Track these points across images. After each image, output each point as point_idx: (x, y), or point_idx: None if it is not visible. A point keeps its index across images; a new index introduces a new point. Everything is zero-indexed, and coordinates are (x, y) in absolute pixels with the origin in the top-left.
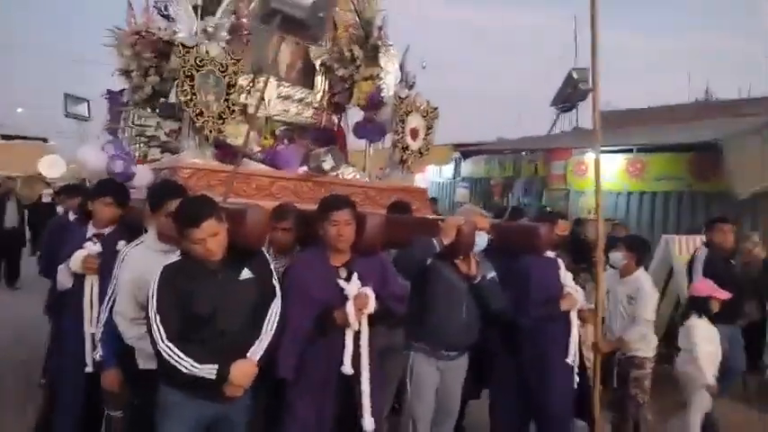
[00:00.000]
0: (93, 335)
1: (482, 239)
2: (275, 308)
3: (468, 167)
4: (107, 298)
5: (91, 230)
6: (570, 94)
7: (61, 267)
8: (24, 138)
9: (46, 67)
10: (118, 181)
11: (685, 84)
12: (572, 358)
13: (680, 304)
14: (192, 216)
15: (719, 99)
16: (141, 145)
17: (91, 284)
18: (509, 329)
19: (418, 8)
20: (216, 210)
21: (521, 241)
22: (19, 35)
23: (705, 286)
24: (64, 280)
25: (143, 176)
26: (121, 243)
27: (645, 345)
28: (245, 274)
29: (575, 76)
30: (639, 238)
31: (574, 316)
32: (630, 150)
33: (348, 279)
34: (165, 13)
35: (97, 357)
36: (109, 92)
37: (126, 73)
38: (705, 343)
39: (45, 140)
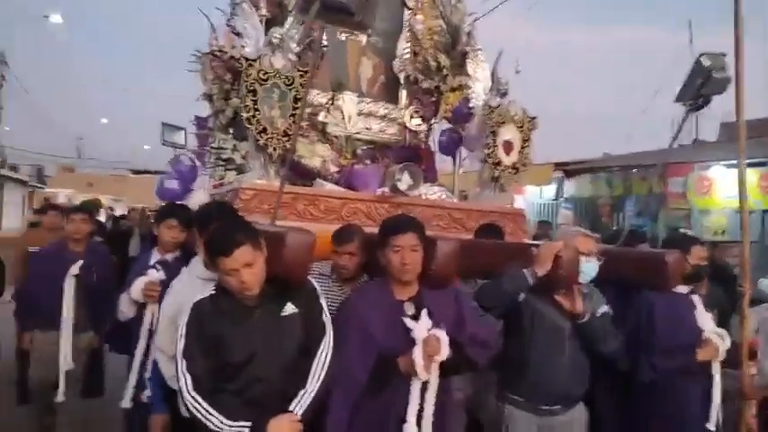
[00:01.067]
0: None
1: (590, 267)
2: (325, 350)
3: (571, 187)
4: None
5: (155, 257)
6: (701, 86)
7: (123, 296)
8: (150, 172)
9: (157, 104)
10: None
11: None
12: (714, 425)
13: None
14: (223, 243)
15: None
16: (219, 168)
17: (152, 313)
18: (625, 384)
19: (509, 33)
20: (252, 235)
21: (642, 273)
22: (133, 78)
23: None
24: (125, 309)
25: (200, 199)
26: (184, 270)
27: None
28: (289, 309)
29: (705, 63)
30: None
31: (716, 369)
32: (764, 164)
33: (416, 317)
34: (236, 30)
35: (144, 398)
36: (196, 118)
37: (209, 97)
38: None
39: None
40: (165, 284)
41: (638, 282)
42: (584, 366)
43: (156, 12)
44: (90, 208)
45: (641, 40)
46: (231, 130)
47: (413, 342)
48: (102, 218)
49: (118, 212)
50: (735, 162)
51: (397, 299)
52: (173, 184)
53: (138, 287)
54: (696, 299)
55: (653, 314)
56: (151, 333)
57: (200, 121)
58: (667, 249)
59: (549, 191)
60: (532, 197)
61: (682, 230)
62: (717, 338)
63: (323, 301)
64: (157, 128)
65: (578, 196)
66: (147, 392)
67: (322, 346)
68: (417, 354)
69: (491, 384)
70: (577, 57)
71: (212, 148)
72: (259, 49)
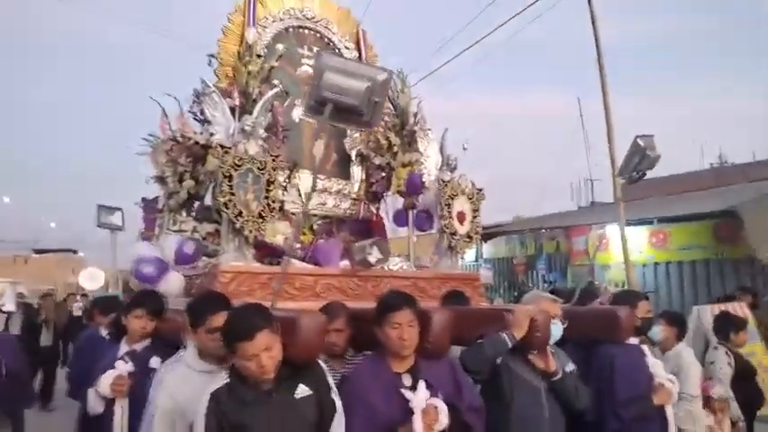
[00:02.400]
0: None
1: (556, 329)
2: (337, 429)
3: (489, 249)
4: (146, 423)
5: (123, 348)
6: (638, 163)
7: (90, 391)
8: (55, 251)
9: (76, 182)
10: (145, 285)
11: (698, 149)
12: None
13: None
14: (243, 328)
15: (734, 164)
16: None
17: (121, 408)
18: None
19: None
20: (270, 320)
21: (598, 328)
22: (46, 155)
23: None
24: (94, 404)
25: (174, 282)
26: (154, 360)
27: (692, 422)
28: (302, 391)
29: (641, 143)
30: (676, 312)
31: (670, 412)
32: (651, 222)
33: (414, 388)
34: (201, 117)
35: None
36: (143, 200)
37: (161, 179)
38: None
39: (75, 252)
40: (134, 376)
41: (595, 337)
42: (561, 423)
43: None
44: None
45: (549, 107)
46: (186, 212)
47: (412, 413)
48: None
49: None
50: (629, 220)
51: (395, 371)
52: (149, 268)
53: (105, 382)
54: (646, 348)
55: (614, 366)
56: (122, 430)
57: (148, 203)
58: (617, 306)
59: (470, 254)
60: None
61: (597, 283)
62: (668, 383)
63: (330, 380)
64: (67, 205)
65: (495, 257)
66: None
67: (334, 425)
68: (417, 423)
69: None
70: (493, 124)
71: (170, 229)
72: (230, 135)
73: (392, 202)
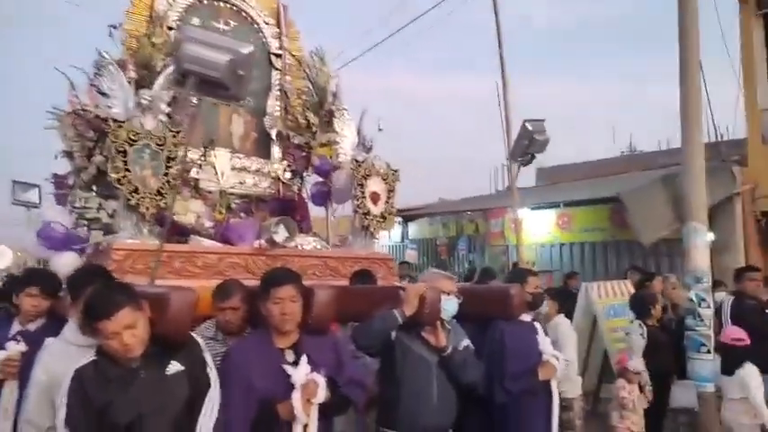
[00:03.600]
0: None
1: (451, 305)
2: (211, 402)
3: (414, 229)
4: (23, 402)
5: (15, 327)
6: (527, 146)
7: None
8: None
9: None
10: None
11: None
12: None
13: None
14: (102, 306)
15: (642, 151)
16: (84, 228)
17: (10, 391)
18: (485, 405)
19: (359, 77)
20: (132, 297)
21: (492, 306)
22: None
23: (735, 333)
24: None
25: (70, 261)
26: (50, 340)
27: (570, 385)
28: (173, 367)
29: (529, 127)
30: (558, 288)
31: (554, 386)
32: (558, 205)
33: (296, 363)
34: (102, 90)
35: None
36: (54, 176)
37: (69, 155)
38: (760, 390)
39: None
40: (27, 356)
41: (490, 314)
42: (451, 397)
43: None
44: None
45: (471, 88)
46: (94, 188)
47: (293, 387)
48: None
49: None
50: (538, 205)
51: (278, 347)
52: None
53: None
54: (537, 325)
55: (503, 341)
56: (7, 412)
57: (59, 179)
58: (510, 283)
59: (396, 234)
60: (383, 240)
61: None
62: (554, 360)
63: (207, 356)
64: None
65: (420, 237)
66: None
67: (208, 400)
68: (296, 398)
69: (371, 425)
70: (416, 104)
71: (74, 207)
72: (128, 109)
73: (312, 182)
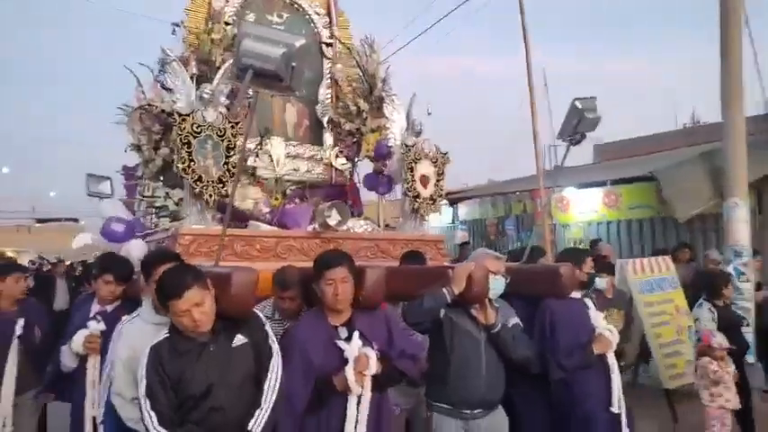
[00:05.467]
0: (94, 418)
1: (498, 284)
2: (275, 370)
3: (464, 211)
4: (106, 377)
5: (95, 308)
6: (577, 125)
7: (63, 348)
8: (57, 220)
9: (73, 151)
10: (114, 250)
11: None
12: (617, 407)
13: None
14: (172, 286)
15: (707, 123)
16: (153, 216)
17: (93, 365)
18: (540, 382)
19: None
20: (199, 277)
21: (541, 284)
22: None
23: None
24: (67, 361)
25: (137, 248)
26: (126, 318)
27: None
28: (239, 340)
29: (579, 105)
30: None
31: (611, 358)
32: (605, 183)
33: (349, 339)
34: (167, 86)
35: None
36: (124, 168)
37: (137, 148)
38: None
39: (76, 221)
40: (105, 335)
41: (540, 293)
42: (499, 373)
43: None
44: (21, 266)
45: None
46: (161, 179)
47: (347, 362)
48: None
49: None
50: (585, 183)
51: (332, 324)
52: (119, 227)
53: (79, 340)
54: (588, 301)
55: (554, 318)
56: (94, 384)
57: (128, 171)
58: (561, 262)
59: (447, 216)
60: (434, 222)
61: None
62: (608, 333)
63: (268, 328)
64: (67, 174)
65: (470, 219)
66: None
67: (272, 368)
68: (349, 371)
69: (423, 398)
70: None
71: (144, 196)
72: (191, 103)
73: (364, 167)
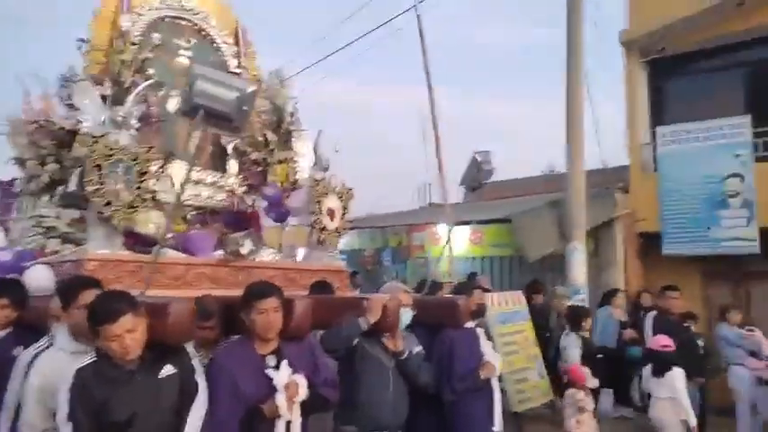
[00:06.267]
0: None
1: (406, 316)
2: (199, 405)
3: (344, 241)
4: (6, 409)
5: None
6: (476, 175)
7: None
8: None
9: None
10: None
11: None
12: (498, 426)
13: None
14: (107, 312)
15: (561, 172)
16: (38, 236)
17: None
18: (434, 404)
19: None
20: (133, 304)
21: (441, 315)
22: None
23: (663, 340)
24: None
25: (41, 273)
26: (18, 349)
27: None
28: (166, 370)
29: (478, 159)
30: None
31: (495, 383)
32: (469, 223)
33: (277, 367)
34: (69, 102)
35: None
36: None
37: (20, 162)
38: (686, 391)
39: None
40: None
41: (440, 322)
42: (404, 398)
43: None
44: None
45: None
46: (49, 197)
47: (275, 389)
48: None
49: None
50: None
51: (260, 353)
52: (5, 256)
53: None
54: (480, 331)
55: (452, 346)
56: None
57: (4, 185)
58: (457, 295)
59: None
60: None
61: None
62: (494, 360)
63: (197, 363)
64: None
65: (348, 249)
66: None
67: (196, 403)
68: (280, 398)
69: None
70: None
71: (31, 215)
72: (100, 124)
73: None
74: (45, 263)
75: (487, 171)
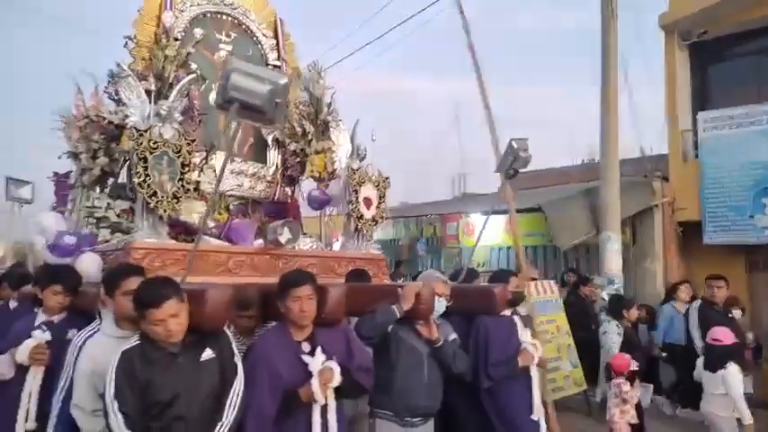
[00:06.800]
0: None
1: (440, 305)
2: (237, 388)
3: (379, 231)
4: (59, 389)
5: (40, 318)
6: (513, 162)
7: (3, 356)
8: None
9: None
10: (63, 263)
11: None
12: (537, 414)
13: None
14: (152, 296)
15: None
16: (91, 226)
17: (34, 376)
18: (472, 391)
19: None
20: (177, 290)
21: (477, 303)
22: None
23: (726, 334)
24: (5, 370)
25: (90, 260)
26: (72, 332)
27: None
28: (206, 354)
29: (515, 145)
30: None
31: (534, 371)
32: (506, 212)
33: (312, 353)
34: (116, 97)
35: None
36: (55, 174)
37: (74, 155)
38: (740, 387)
39: None
40: (51, 345)
41: (476, 310)
42: (439, 384)
43: None
44: None
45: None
46: (99, 188)
47: (311, 374)
48: None
49: None
50: (487, 210)
51: (296, 340)
52: (70, 240)
53: (24, 350)
54: (516, 318)
55: (487, 334)
56: (30, 396)
57: (60, 178)
58: (493, 283)
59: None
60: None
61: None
62: (532, 348)
63: (235, 347)
64: None
65: (384, 239)
66: None
67: (234, 386)
68: (315, 383)
69: (364, 408)
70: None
71: (82, 205)
72: (145, 118)
73: (307, 186)
74: (95, 251)
75: (524, 158)
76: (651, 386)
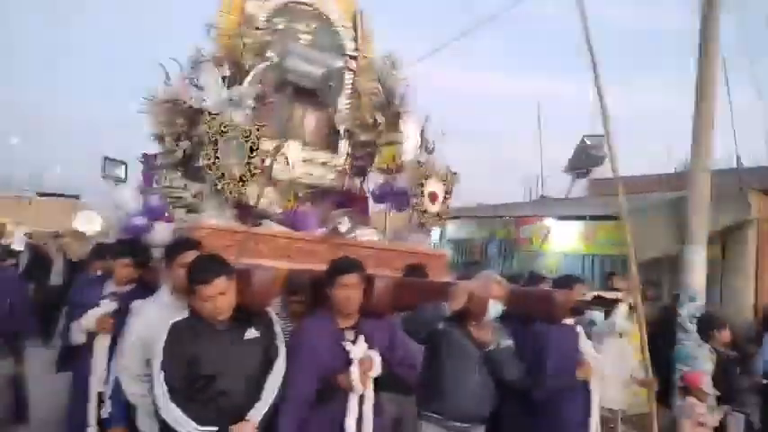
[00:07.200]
0: (99, 394)
1: (494, 309)
2: (278, 369)
3: (452, 229)
4: (118, 354)
5: (109, 288)
6: (584, 160)
7: (75, 323)
8: (59, 195)
9: (82, 127)
10: (135, 235)
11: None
12: (594, 430)
13: None
14: (203, 272)
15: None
16: (170, 206)
17: (102, 343)
18: (525, 401)
19: (436, 78)
20: (227, 268)
21: (536, 308)
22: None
23: None
24: (76, 336)
25: (162, 233)
26: (138, 302)
27: None
28: (251, 333)
29: (587, 142)
30: None
31: (594, 385)
32: (584, 218)
33: (355, 341)
34: (197, 83)
35: (105, 414)
36: (144, 155)
37: (159, 138)
38: None
39: (77, 197)
40: (117, 314)
41: (534, 315)
42: (490, 390)
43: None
44: None
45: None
46: (180, 170)
47: (351, 362)
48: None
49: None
50: (564, 215)
51: (340, 327)
52: (140, 220)
53: (91, 318)
54: (579, 328)
55: (545, 343)
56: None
57: (148, 159)
58: (557, 289)
59: (435, 233)
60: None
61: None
62: (593, 361)
63: (278, 329)
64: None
65: (456, 238)
66: (107, 409)
67: (276, 366)
68: (354, 370)
69: (411, 409)
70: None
71: (164, 186)
72: (219, 103)
73: (374, 178)
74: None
75: (597, 157)
76: (743, 416)
